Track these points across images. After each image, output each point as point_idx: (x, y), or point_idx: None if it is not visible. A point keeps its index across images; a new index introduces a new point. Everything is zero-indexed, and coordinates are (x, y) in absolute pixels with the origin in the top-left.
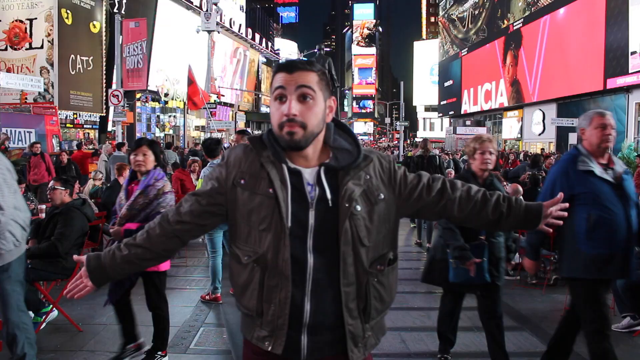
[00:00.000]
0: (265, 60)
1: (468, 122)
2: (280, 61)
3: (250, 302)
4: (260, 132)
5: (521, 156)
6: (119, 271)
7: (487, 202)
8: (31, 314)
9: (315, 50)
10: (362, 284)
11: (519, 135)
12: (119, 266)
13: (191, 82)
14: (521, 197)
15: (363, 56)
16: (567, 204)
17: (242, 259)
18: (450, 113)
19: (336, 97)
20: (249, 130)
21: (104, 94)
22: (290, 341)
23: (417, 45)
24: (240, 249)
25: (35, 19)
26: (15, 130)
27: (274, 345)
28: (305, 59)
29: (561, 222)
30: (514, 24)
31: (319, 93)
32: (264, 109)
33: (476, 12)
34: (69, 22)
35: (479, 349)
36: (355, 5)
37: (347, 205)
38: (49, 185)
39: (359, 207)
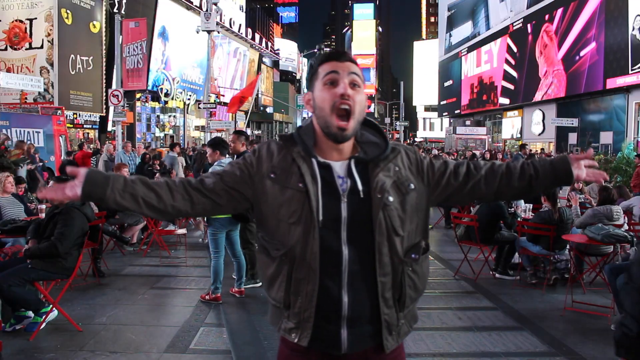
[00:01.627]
0: (266, 60)
1: (468, 122)
2: (325, 52)
3: (278, 294)
4: (259, 132)
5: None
6: (118, 200)
7: (512, 170)
8: (31, 313)
9: (315, 50)
10: (397, 274)
11: (519, 135)
12: (122, 195)
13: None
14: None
15: (363, 56)
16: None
17: (271, 252)
18: (452, 113)
19: None
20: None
21: (104, 94)
22: (326, 335)
23: (417, 45)
24: (268, 242)
25: (35, 19)
26: (24, 131)
27: (300, 337)
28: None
29: (606, 176)
30: (514, 24)
31: (362, 84)
32: (262, 109)
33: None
34: (69, 22)
35: (479, 349)
36: (355, 5)
37: (379, 196)
38: (49, 185)
39: (391, 198)
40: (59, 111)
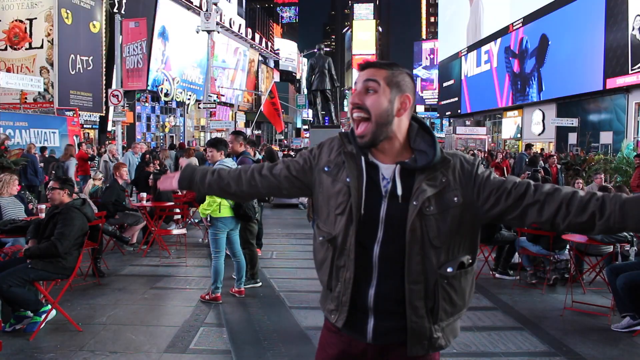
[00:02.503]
0: (265, 60)
1: (468, 122)
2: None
3: (323, 277)
4: (259, 132)
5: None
6: (202, 188)
7: (575, 201)
8: (30, 313)
9: (315, 50)
10: (430, 284)
11: (519, 135)
12: (204, 184)
13: (272, 96)
14: (621, 193)
15: (363, 56)
16: None
17: (318, 239)
18: (452, 113)
19: (336, 97)
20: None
21: (104, 94)
22: (356, 322)
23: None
24: (320, 229)
25: (35, 18)
26: (41, 131)
27: (337, 319)
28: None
29: None
30: (514, 24)
31: (385, 87)
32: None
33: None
34: (69, 22)
35: (479, 349)
36: (355, 5)
37: (415, 203)
38: (49, 186)
39: (431, 207)
40: (73, 112)
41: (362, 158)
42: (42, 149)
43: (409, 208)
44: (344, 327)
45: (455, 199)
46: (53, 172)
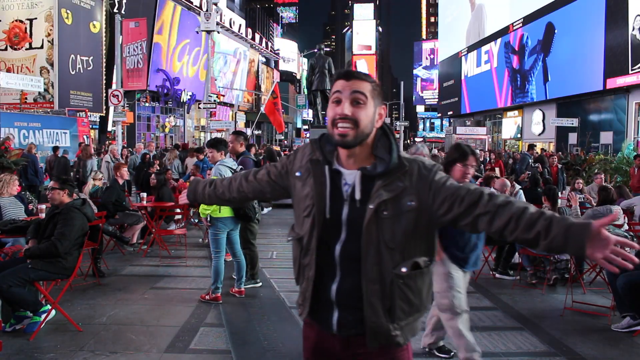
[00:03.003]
0: (265, 60)
1: (468, 122)
2: (340, 70)
3: (295, 274)
4: (259, 132)
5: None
6: (204, 199)
7: (524, 219)
8: (30, 313)
9: (315, 50)
10: (386, 284)
11: (519, 135)
12: (205, 195)
13: (275, 96)
14: (571, 217)
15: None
16: (635, 244)
17: (289, 237)
18: (452, 113)
19: None
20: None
21: (104, 94)
22: (322, 314)
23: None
24: (293, 229)
25: (35, 19)
26: (53, 132)
27: (303, 312)
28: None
29: (629, 266)
30: (514, 24)
31: (370, 100)
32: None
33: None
34: (69, 22)
35: (479, 349)
36: (355, 5)
37: (371, 207)
38: (49, 186)
39: (387, 212)
40: (83, 113)
41: (326, 166)
42: (55, 148)
43: (365, 212)
44: (313, 319)
45: (410, 203)
46: (80, 170)
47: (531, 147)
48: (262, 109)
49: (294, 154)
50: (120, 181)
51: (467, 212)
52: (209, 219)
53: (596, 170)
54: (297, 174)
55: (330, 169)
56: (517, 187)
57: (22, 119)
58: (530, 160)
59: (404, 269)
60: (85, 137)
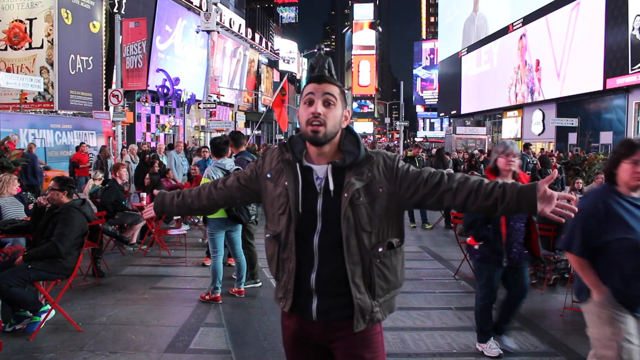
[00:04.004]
0: (265, 60)
1: (468, 122)
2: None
3: (273, 270)
4: (259, 132)
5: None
6: (172, 210)
7: (482, 189)
8: (30, 313)
9: (315, 50)
10: (365, 264)
11: (519, 135)
12: (173, 207)
13: (284, 92)
14: (518, 182)
15: (363, 56)
16: (572, 195)
17: (266, 237)
18: (452, 113)
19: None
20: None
21: (104, 94)
22: (302, 304)
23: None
24: (268, 228)
25: (35, 18)
26: (82, 132)
27: (285, 305)
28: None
29: (571, 214)
30: (514, 24)
31: (339, 103)
32: (262, 109)
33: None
34: (69, 22)
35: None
36: (355, 5)
37: (346, 195)
38: (49, 186)
39: (361, 198)
40: (107, 114)
41: (297, 164)
42: (78, 148)
43: (342, 200)
44: (292, 310)
45: (381, 189)
46: (104, 168)
47: (527, 146)
48: (271, 104)
49: (262, 158)
50: (120, 181)
51: (432, 192)
52: (202, 218)
53: (597, 170)
54: (268, 175)
55: (301, 166)
56: None
57: (57, 122)
58: (528, 160)
59: (380, 249)
60: (108, 137)
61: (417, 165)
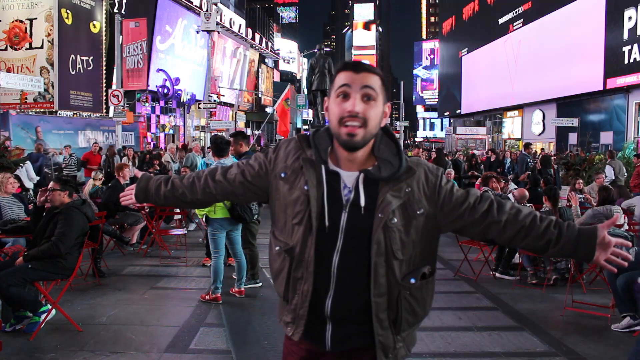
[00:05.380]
0: (265, 60)
1: (468, 122)
2: (346, 61)
3: (280, 288)
4: (259, 132)
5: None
6: (158, 200)
7: (535, 227)
8: (30, 313)
9: (315, 50)
10: (393, 296)
11: (519, 135)
12: (160, 196)
13: (289, 104)
14: (574, 223)
15: (363, 57)
16: (629, 243)
17: (274, 249)
18: (446, 114)
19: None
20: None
21: (104, 94)
22: (314, 331)
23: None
24: (276, 237)
25: (35, 19)
26: (124, 134)
27: (294, 332)
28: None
29: (625, 264)
30: (514, 24)
31: (380, 97)
32: (269, 109)
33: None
34: (69, 22)
35: (479, 349)
36: (355, 5)
37: (380, 215)
38: (49, 187)
39: (395, 220)
40: (142, 117)
41: (322, 166)
42: (123, 147)
43: (375, 220)
44: (303, 337)
45: (421, 209)
46: (111, 166)
47: (527, 146)
48: (274, 108)
49: (275, 152)
50: (122, 182)
51: (479, 221)
52: (205, 218)
53: (598, 171)
54: (282, 174)
55: (327, 169)
56: (512, 186)
57: (104, 123)
58: (528, 160)
59: (412, 280)
60: (144, 138)
61: None
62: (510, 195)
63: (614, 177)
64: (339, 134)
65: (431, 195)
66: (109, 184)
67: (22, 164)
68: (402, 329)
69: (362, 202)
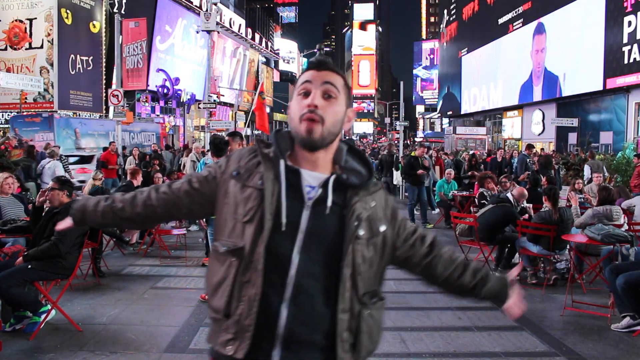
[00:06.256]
0: (265, 60)
1: (468, 122)
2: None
3: (220, 301)
4: (259, 132)
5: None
6: (96, 220)
7: (467, 267)
8: (30, 313)
9: (315, 50)
10: (354, 314)
11: (519, 135)
12: (97, 213)
13: (264, 96)
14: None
15: (363, 56)
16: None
17: (220, 249)
18: (449, 113)
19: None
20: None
21: (104, 94)
22: (261, 354)
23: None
24: (223, 243)
25: (35, 18)
26: (146, 134)
27: (237, 350)
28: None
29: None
30: (514, 24)
31: (342, 96)
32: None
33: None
34: (68, 22)
35: (479, 348)
36: (355, 5)
37: (356, 224)
38: (48, 187)
39: (362, 231)
40: (162, 118)
41: (282, 161)
42: (124, 148)
43: (347, 228)
44: (246, 356)
45: (382, 227)
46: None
47: (529, 146)
48: (253, 107)
49: (227, 158)
50: (135, 184)
51: (427, 253)
52: (205, 219)
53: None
54: (234, 173)
55: (286, 165)
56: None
57: (133, 126)
58: (528, 160)
59: (373, 298)
60: (164, 137)
61: (422, 166)
62: (509, 195)
63: (590, 176)
64: (298, 131)
65: (391, 216)
66: (124, 184)
67: (21, 165)
68: (360, 356)
69: (330, 201)
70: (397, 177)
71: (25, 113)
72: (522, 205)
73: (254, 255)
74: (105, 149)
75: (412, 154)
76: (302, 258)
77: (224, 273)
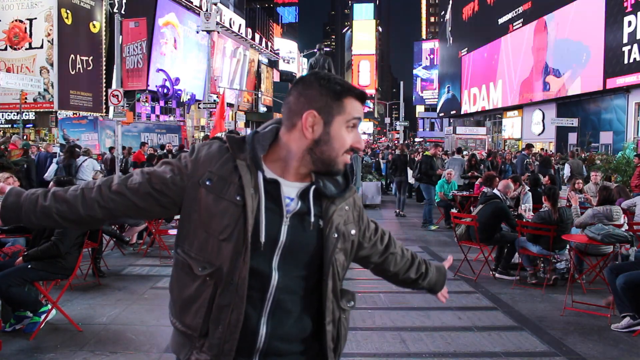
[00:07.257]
0: (266, 60)
1: (468, 122)
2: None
3: (195, 321)
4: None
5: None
6: (33, 220)
7: (413, 263)
8: (30, 313)
9: (315, 50)
10: (335, 323)
11: (519, 135)
12: (35, 215)
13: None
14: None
15: (363, 56)
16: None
17: (196, 270)
18: (452, 113)
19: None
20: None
21: (104, 94)
22: None
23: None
24: (193, 257)
25: (35, 18)
26: (170, 135)
27: None
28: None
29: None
30: (514, 24)
31: None
32: (262, 109)
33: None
34: (68, 22)
35: (479, 349)
36: (355, 5)
37: (335, 236)
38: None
39: (340, 241)
40: (183, 121)
41: (260, 173)
42: (110, 148)
43: (328, 240)
44: None
45: (353, 231)
46: (126, 166)
47: (529, 146)
48: (217, 108)
49: (193, 155)
50: None
51: (385, 251)
52: None
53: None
54: (207, 182)
55: (265, 178)
56: (526, 188)
57: (159, 128)
58: (527, 160)
59: (350, 303)
60: (185, 139)
61: (437, 166)
62: (495, 191)
63: (569, 174)
64: (337, 161)
65: (358, 218)
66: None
67: (22, 164)
68: (339, 358)
69: (312, 216)
70: (411, 176)
71: (73, 115)
72: (512, 195)
73: (234, 278)
74: (111, 148)
75: (426, 153)
76: (281, 274)
77: (197, 290)
